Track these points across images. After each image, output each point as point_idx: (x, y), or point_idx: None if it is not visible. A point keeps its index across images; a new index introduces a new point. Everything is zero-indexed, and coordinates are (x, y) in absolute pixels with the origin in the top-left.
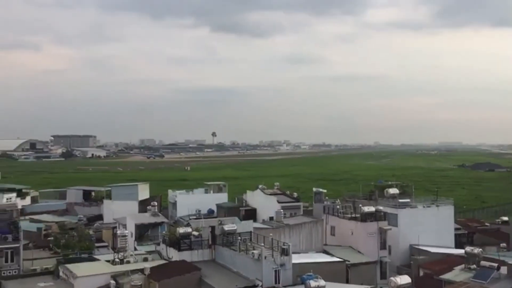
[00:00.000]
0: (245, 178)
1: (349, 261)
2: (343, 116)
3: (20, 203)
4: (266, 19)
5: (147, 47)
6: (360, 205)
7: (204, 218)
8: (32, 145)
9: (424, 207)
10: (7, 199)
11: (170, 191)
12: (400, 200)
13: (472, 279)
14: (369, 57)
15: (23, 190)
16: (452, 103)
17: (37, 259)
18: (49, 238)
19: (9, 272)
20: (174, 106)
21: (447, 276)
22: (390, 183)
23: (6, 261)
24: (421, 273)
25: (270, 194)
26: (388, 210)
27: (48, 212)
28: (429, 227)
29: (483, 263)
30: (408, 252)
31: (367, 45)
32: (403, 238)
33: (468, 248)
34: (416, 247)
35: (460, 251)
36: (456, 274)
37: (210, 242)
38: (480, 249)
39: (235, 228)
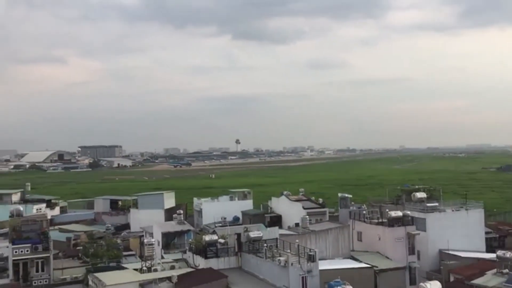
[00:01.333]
0: (270, 185)
1: (377, 267)
2: (368, 120)
3: (50, 213)
4: (287, 25)
5: (169, 57)
6: (387, 210)
7: (229, 225)
8: (60, 156)
9: (453, 211)
10: (37, 209)
11: (195, 199)
12: (428, 204)
13: (505, 284)
14: (392, 60)
15: (52, 201)
16: (479, 104)
17: (67, 268)
18: (78, 248)
19: (40, 282)
20: (198, 115)
21: (478, 281)
22: (417, 187)
23: (37, 270)
24: (452, 279)
25: (295, 201)
26: (416, 214)
27: (76, 222)
28: (458, 231)
29: None
30: (438, 257)
31: (390, 48)
32: (432, 243)
33: (500, 252)
34: (446, 252)
35: (492, 255)
36: (488, 279)
37: (236, 250)
38: None
39: (261, 235)
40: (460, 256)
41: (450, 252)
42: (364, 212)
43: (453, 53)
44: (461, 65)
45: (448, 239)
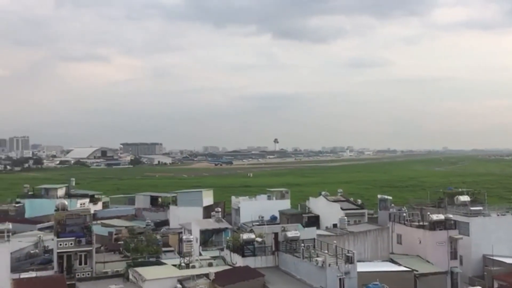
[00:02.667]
0: (308, 185)
1: (417, 270)
2: (409, 120)
3: (93, 208)
4: (328, 24)
5: (209, 55)
6: (428, 213)
7: (267, 224)
8: (103, 153)
9: (498, 215)
10: (81, 204)
11: (233, 198)
12: (472, 208)
13: None
14: (436, 59)
15: (95, 196)
16: None
17: (108, 262)
18: (119, 242)
19: (83, 274)
20: (237, 113)
21: None
22: (460, 190)
23: (80, 263)
24: (496, 285)
25: (333, 201)
26: (459, 218)
27: (118, 217)
28: (504, 237)
29: None
30: (481, 263)
31: (434, 46)
32: (476, 248)
33: None
34: (490, 257)
35: None
36: None
37: (273, 249)
38: None
39: (298, 234)
40: (504, 262)
41: (495, 257)
42: (405, 214)
43: (500, 51)
44: (508, 64)
45: (493, 244)
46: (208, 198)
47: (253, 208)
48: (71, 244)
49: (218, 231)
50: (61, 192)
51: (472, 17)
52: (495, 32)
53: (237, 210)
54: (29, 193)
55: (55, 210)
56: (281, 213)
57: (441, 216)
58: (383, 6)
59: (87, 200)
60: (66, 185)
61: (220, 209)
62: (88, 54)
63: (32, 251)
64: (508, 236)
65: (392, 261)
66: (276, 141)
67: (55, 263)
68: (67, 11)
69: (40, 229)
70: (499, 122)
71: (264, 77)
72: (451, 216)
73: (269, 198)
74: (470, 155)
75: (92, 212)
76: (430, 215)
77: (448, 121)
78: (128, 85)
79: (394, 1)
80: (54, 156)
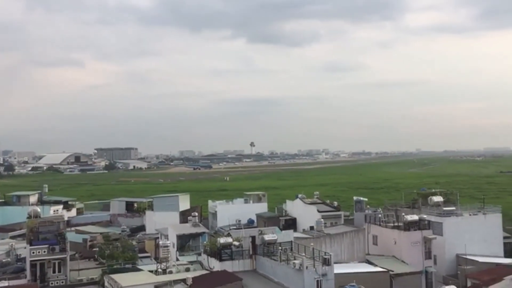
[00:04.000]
0: (284, 188)
1: (393, 271)
2: (383, 123)
3: (67, 214)
4: (303, 28)
5: (185, 60)
6: (403, 214)
7: (244, 228)
8: (77, 158)
9: (470, 215)
10: (54, 211)
11: (210, 202)
12: (445, 208)
13: None
14: (409, 62)
15: (69, 202)
16: (497, 108)
17: (83, 270)
18: (94, 249)
19: (57, 283)
20: (213, 118)
21: (496, 286)
22: (433, 190)
23: (54, 271)
24: (469, 284)
25: (309, 204)
26: (433, 218)
27: (93, 223)
28: (476, 236)
29: None
30: (455, 262)
31: (407, 50)
32: (449, 248)
33: None
34: (463, 256)
35: (510, 261)
36: (506, 285)
37: (250, 252)
38: None
39: (275, 238)
40: (477, 261)
41: (468, 256)
42: (380, 215)
43: (471, 55)
44: (479, 67)
45: (466, 243)
46: (184, 202)
47: (230, 212)
48: (44, 252)
49: (195, 236)
50: (33, 199)
51: (443, 22)
52: (466, 36)
53: (214, 214)
54: (0, 200)
55: (28, 218)
56: (258, 216)
57: (415, 217)
58: (357, 11)
59: (61, 206)
60: (39, 191)
61: (197, 214)
62: (62, 59)
63: (4, 260)
64: (480, 235)
65: (368, 262)
66: (252, 144)
67: (28, 272)
68: (39, 16)
69: (12, 237)
70: (470, 124)
71: (240, 82)
72: (425, 216)
73: (246, 201)
74: (442, 156)
75: (66, 219)
76: (405, 216)
77: (421, 123)
78: (103, 90)
79: (368, 6)
80: (26, 162)
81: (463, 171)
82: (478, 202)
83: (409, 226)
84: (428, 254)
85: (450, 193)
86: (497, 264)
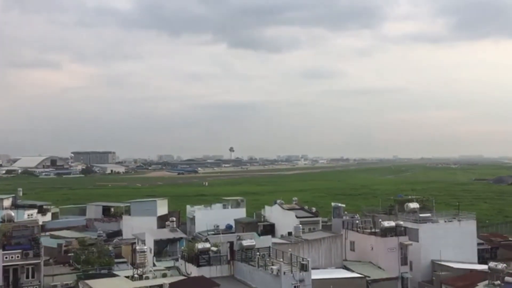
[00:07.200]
0: (263, 193)
1: (369, 276)
2: (362, 130)
3: (41, 219)
4: (283, 34)
5: (165, 64)
6: (380, 220)
7: (222, 233)
8: (53, 162)
9: (445, 221)
10: (29, 215)
11: (188, 207)
12: (421, 215)
13: None
14: (387, 70)
15: (44, 207)
16: (472, 116)
17: (58, 275)
18: (69, 254)
19: None
20: (192, 122)
21: None
22: (410, 197)
23: (27, 277)
24: None
25: (288, 209)
26: (409, 225)
27: (68, 228)
28: (451, 242)
29: (507, 278)
30: (430, 268)
31: (385, 58)
32: (425, 254)
33: (492, 264)
34: (438, 262)
35: (484, 267)
36: None
37: (228, 258)
38: (504, 265)
39: (253, 243)
40: (452, 267)
41: (443, 262)
42: (357, 221)
43: (448, 64)
44: (455, 76)
45: (441, 249)
46: (162, 207)
47: (208, 217)
48: (18, 257)
49: (172, 241)
50: (7, 202)
51: (421, 31)
52: (443, 46)
53: (192, 219)
54: None
55: (1, 222)
56: (237, 221)
57: (392, 223)
58: (336, 19)
59: (35, 211)
60: (13, 195)
61: (175, 219)
62: (39, 60)
63: None
64: (455, 241)
65: (346, 267)
66: (231, 149)
67: (0, 278)
68: (15, 16)
69: None
70: (446, 132)
71: (220, 86)
72: (401, 223)
73: (224, 207)
74: (418, 163)
75: (40, 223)
76: (382, 222)
77: (398, 130)
78: (81, 92)
79: (347, 13)
80: (0, 165)
81: (439, 178)
82: (453, 209)
83: (386, 232)
84: (404, 260)
85: (426, 200)
86: (471, 270)
